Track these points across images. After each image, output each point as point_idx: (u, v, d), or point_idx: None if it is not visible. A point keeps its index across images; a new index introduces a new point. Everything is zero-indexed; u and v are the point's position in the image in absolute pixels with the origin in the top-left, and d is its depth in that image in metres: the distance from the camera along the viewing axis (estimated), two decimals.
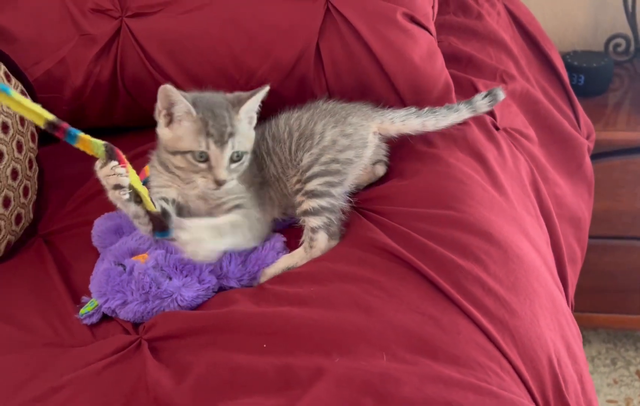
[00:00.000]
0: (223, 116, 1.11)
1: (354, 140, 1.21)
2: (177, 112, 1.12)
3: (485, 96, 1.34)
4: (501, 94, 1.34)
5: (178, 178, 1.16)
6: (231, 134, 1.11)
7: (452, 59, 1.56)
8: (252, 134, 1.18)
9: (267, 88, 1.15)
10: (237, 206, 1.15)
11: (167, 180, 1.17)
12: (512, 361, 0.98)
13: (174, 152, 1.13)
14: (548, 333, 1.06)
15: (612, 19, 2.22)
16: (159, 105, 1.14)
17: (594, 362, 2.13)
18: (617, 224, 1.94)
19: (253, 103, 1.15)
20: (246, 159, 1.15)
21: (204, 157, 1.11)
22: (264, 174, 1.23)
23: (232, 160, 1.12)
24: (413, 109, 1.29)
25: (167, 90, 1.09)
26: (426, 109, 1.29)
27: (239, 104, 1.14)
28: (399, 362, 0.93)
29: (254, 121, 1.19)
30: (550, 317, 1.10)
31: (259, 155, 1.23)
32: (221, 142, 1.10)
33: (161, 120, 1.15)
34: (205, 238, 1.05)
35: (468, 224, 1.15)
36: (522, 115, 1.58)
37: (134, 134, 1.56)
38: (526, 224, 1.27)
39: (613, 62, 2.08)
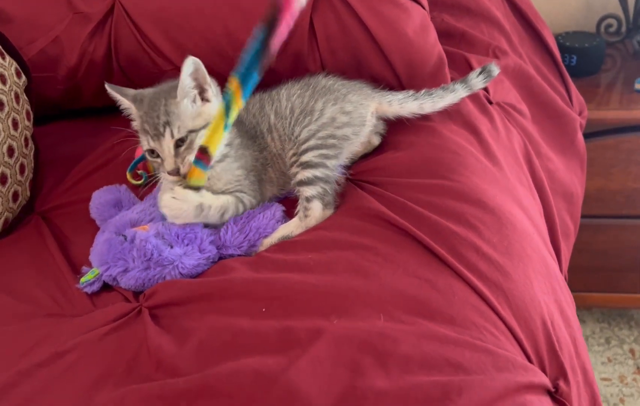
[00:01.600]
0: (156, 108, 1.13)
1: (352, 118, 1.25)
2: (126, 111, 1.18)
3: (480, 73, 1.36)
4: (495, 70, 1.36)
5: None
6: (166, 123, 1.12)
7: (446, 35, 1.60)
8: (204, 108, 1.16)
9: (189, 60, 1.12)
10: (234, 192, 1.19)
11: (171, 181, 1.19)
12: (507, 321, 1.01)
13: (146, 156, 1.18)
14: (541, 295, 1.10)
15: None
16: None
17: (588, 341, 2.17)
18: (610, 203, 1.98)
19: (183, 81, 1.13)
20: (196, 137, 1.14)
21: (155, 153, 1.15)
22: (265, 155, 1.25)
23: (178, 145, 1.13)
24: (411, 92, 1.32)
25: (108, 88, 1.16)
26: (423, 91, 1.32)
27: (175, 88, 1.14)
28: (396, 322, 0.96)
29: (210, 91, 1.17)
30: (543, 281, 1.13)
31: (259, 134, 1.26)
32: (157, 135, 1.12)
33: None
34: (188, 213, 1.11)
35: (462, 193, 1.18)
36: (514, 90, 1.61)
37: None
38: (519, 194, 1.31)
39: (605, 42, 2.11)
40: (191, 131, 1.14)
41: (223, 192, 1.19)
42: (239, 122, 1.26)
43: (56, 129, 1.62)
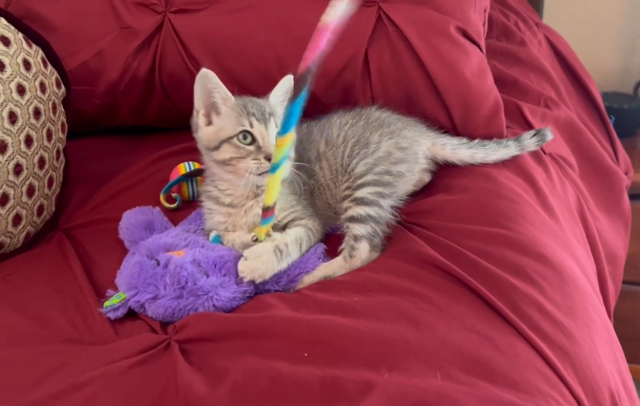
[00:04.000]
0: (260, 101, 1.10)
1: (407, 154, 1.16)
2: (217, 100, 1.09)
3: (534, 135, 1.29)
4: (549, 135, 1.30)
5: (230, 207, 1.10)
6: (271, 114, 1.08)
7: (497, 81, 1.48)
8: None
9: (290, 76, 1.11)
10: (293, 220, 1.09)
11: (220, 217, 1.11)
12: (573, 390, 0.89)
13: (219, 145, 1.07)
14: (607, 363, 0.97)
15: None
16: (197, 101, 1.10)
17: None
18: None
19: (278, 89, 1.13)
20: None
21: (249, 139, 1.06)
22: (312, 184, 1.15)
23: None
24: (465, 140, 1.25)
25: (207, 74, 1.07)
26: (476, 141, 1.25)
27: (265, 96, 1.13)
28: (454, 382, 0.83)
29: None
30: (607, 347, 1.02)
31: (306, 162, 1.15)
32: (264, 119, 1.07)
33: (200, 121, 1.10)
34: (265, 267, 1.00)
35: (521, 244, 1.07)
36: (564, 143, 1.50)
37: (164, 135, 1.50)
38: (576, 250, 1.18)
39: None
40: None
41: (281, 225, 1.09)
42: None
43: (88, 145, 1.51)
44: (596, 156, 1.56)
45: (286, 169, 1.05)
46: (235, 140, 1.06)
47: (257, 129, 1.06)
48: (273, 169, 0.99)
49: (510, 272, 1.01)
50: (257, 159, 1.05)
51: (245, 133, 1.06)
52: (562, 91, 1.64)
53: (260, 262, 0.99)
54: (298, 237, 1.05)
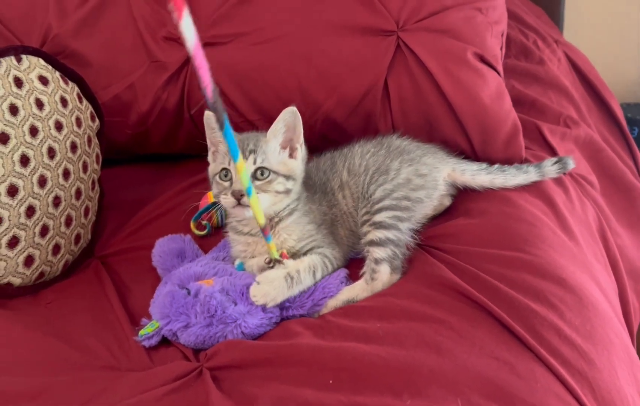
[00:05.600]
0: (249, 139, 1.11)
1: (427, 181, 1.18)
2: (215, 140, 1.13)
3: (555, 163, 1.30)
4: (571, 164, 1.31)
5: (249, 236, 1.14)
6: (252, 151, 1.09)
7: (516, 101, 1.49)
8: (289, 161, 1.12)
9: (291, 108, 1.10)
10: (312, 249, 1.11)
11: (241, 246, 1.15)
12: None
13: (212, 180, 1.13)
14: (627, 387, 0.97)
15: None
16: (207, 138, 1.14)
17: None
18: None
19: (277, 123, 1.11)
20: (275, 180, 1.09)
21: (228, 175, 1.09)
22: (334, 212, 1.17)
23: (256, 177, 1.08)
24: (484, 165, 1.26)
25: (207, 118, 1.11)
26: (496, 166, 1.26)
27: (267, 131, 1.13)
28: None
29: (300, 152, 1.13)
30: (627, 371, 1.01)
31: (329, 191, 1.18)
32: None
33: (209, 157, 1.15)
34: (276, 292, 1.03)
35: (540, 268, 1.07)
36: (585, 161, 1.49)
37: (193, 162, 1.53)
38: (596, 271, 1.18)
39: None
40: (273, 171, 1.09)
41: (301, 253, 1.12)
42: (307, 178, 1.19)
43: (121, 173, 1.56)
44: (617, 173, 1.55)
45: (266, 200, 1.08)
46: (217, 177, 1.10)
47: (232, 166, 1.08)
48: (248, 193, 1.01)
49: (530, 296, 1.01)
50: (226, 194, 1.08)
51: (226, 170, 1.09)
52: (582, 108, 1.63)
53: (272, 287, 1.02)
54: (312, 265, 1.08)
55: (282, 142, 1.12)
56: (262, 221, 1.03)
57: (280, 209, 1.12)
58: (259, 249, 1.13)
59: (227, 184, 1.09)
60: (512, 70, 1.62)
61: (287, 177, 1.10)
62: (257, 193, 1.06)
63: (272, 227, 1.12)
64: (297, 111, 1.09)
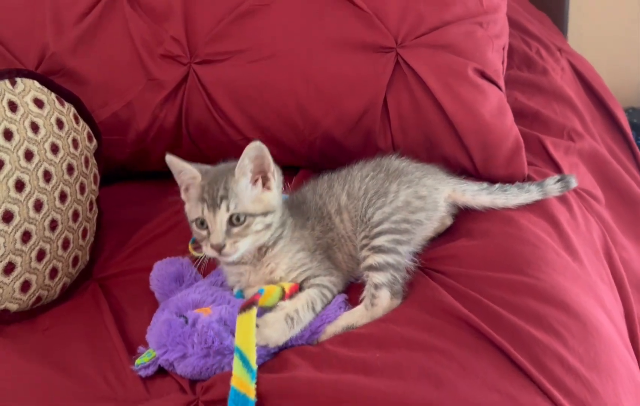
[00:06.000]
0: (218, 181, 1.05)
1: (427, 203, 1.16)
2: (185, 179, 1.09)
3: (558, 181, 1.27)
4: (573, 183, 1.28)
5: (241, 265, 1.11)
6: (223, 197, 1.04)
7: (518, 114, 1.47)
8: (264, 195, 1.08)
9: (254, 144, 1.04)
10: (307, 279, 1.09)
11: (234, 277, 1.13)
12: None
13: (190, 222, 1.09)
14: None
15: None
16: (177, 181, 1.11)
17: None
18: None
19: (242, 160, 1.05)
20: (253, 222, 1.05)
21: (205, 224, 1.05)
22: (332, 236, 1.15)
23: (233, 224, 1.04)
24: (485, 185, 1.23)
25: (170, 160, 1.08)
26: (497, 186, 1.24)
27: (235, 167, 1.07)
28: None
29: (273, 181, 1.08)
30: (632, 399, 0.99)
31: (325, 215, 1.16)
32: (213, 206, 1.04)
33: (183, 195, 1.12)
34: (278, 335, 1.01)
35: (543, 292, 1.05)
36: (589, 175, 1.46)
37: None
38: (601, 292, 1.16)
39: None
40: (249, 214, 1.05)
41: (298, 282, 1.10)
42: (299, 202, 1.17)
43: (119, 190, 1.54)
44: (623, 185, 1.53)
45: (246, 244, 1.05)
46: (194, 225, 1.07)
47: (207, 217, 1.04)
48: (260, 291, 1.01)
49: (533, 323, 0.99)
50: (206, 245, 1.05)
51: (201, 220, 1.05)
52: (586, 118, 1.60)
53: (273, 330, 1.00)
54: (309, 300, 1.05)
55: (252, 178, 1.07)
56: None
57: (263, 243, 1.09)
58: (253, 277, 1.11)
59: (204, 233, 1.05)
60: (514, 81, 1.59)
61: (265, 213, 1.06)
62: (236, 241, 1.03)
63: (259, 258, 1.10)
64: (262, 145, 1.04)
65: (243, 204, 1.05)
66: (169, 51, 1.41)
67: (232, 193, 1.04)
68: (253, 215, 1.05)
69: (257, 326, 0.99)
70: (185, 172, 1.08)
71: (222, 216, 1.03)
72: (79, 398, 1.00)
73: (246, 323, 0.96)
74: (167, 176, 1.55)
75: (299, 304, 1.04)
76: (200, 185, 1.07)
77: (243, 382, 0.90)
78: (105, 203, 1.43)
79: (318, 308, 1.06)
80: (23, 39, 1.48)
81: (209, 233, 1.04)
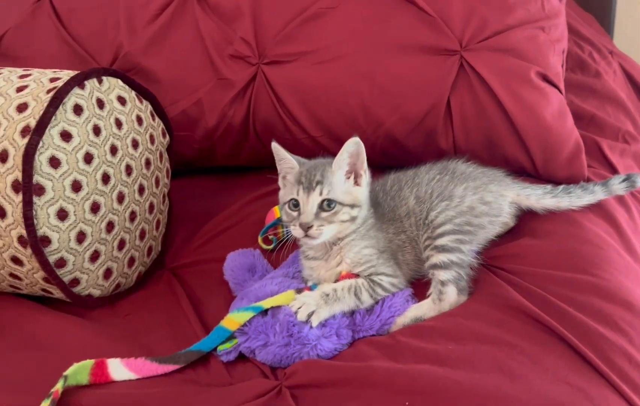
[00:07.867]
0: (316, 169, 1.12)
1: (491, 208, 1.18)
2: (284, 167, 1.14)
3: (623, 181, 1.27)
4: (639, 182, 1.27)
5: (313, 260, 1.16)
6: (319, 182, 1.10)
7: (574, 116, 1.47)
8: (355, 189, 1.13)
9: (354, 139, 1.09)
10: (370, 275, 1.12)
11: (307, 270, 1.17)
12: None
13: (282, 207, 1.14)
14: None
15: None
16: (277, 165, 1.16)
17: None
18: None
19: (341, 154, 1.11)
20: (340, 211, 1.10)
21: (296, 205, 1.10)
22: (402, 238, 1.17)
23: (323, 209, 1.09)
24: (549, 188, 1.24)
25: (275, 147, 1.14)
26: (561, 188, 1.24)
27: (332, 161, 1.13)
28: None
29: (364, 178, 1.13)
30: None
31: (397, 218, 1.18)
32: (308, 189, 1.10)
33: (280, 182, 1.17)
34: (315, 306, 1.06)
35: (608, 291, 1.07)
36: None
37: (257, 174, 1.55)
38: None
39: None
40: (339, 203, 1.10)
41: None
42: (377, 204, 1.20)
43: (186, 185, 1.60)
44: None
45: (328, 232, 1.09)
46: (286, 206, 1.12)
47: (301, 197, 1.10)
48: None
49: (599, 320, 1.01)
50: (295, 225, 1.09)
51: (295, 201, 1.10)
52: (638, 121, 1.61)
53: (309, 298, 1.06)
54: (353, 285, 1.09)
55: (346, 172, 1.12)
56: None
57: (344, 235, 1.13)
58: (322, 273, 1.14)
59: (295, 214, 1.10)
60: (568, 83, 1.59)
61: (352, 206, 1.11)
62: (322, 225, 1.08)
63: (329, 251, 1.14)
64: (360, 141, 1.09)
65: (335, 192, 1.10)
66: (239, 52, 1.46)
67: (328, 181, 1.10)
68: (342, 204, 1.10)
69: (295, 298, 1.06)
70: (286, 161, 1.14)
71: (315, 198, 1.09)
72: (166, 383, 1.04)
73: (283, 297, 1.07)
74: (232, 171, 1.62)
75: (339, 286, 1.08)
76: (299, 171, 1.13)
77: (233, 321, 1.05)
78: (173, 196, 1.47)
79: (363, 297, 1.09)
80: (98, 38, 1.54)
81: (299, 214, 1.10)
